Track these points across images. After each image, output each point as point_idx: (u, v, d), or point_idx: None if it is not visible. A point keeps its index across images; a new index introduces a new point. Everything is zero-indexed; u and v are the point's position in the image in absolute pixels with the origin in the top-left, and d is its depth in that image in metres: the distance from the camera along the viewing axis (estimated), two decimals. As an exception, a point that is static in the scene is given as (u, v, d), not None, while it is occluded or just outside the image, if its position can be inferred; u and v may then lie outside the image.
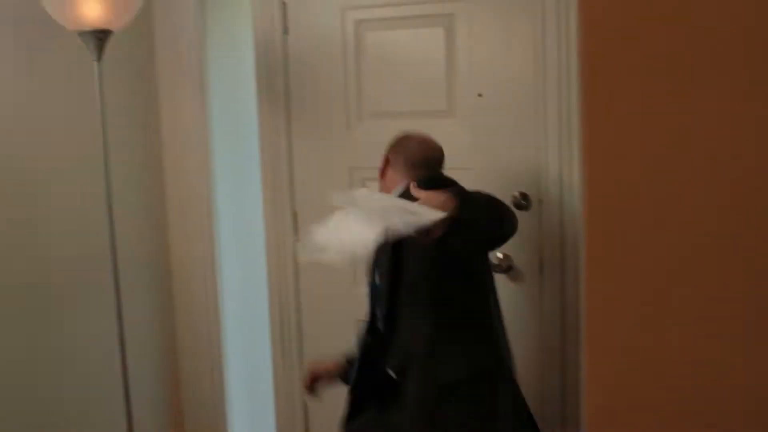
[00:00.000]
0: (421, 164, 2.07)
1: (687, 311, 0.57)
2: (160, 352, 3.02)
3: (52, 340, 2.55)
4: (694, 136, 0.53)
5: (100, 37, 2.32)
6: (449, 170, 2.57)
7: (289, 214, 2.83)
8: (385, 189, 2.12)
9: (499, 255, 2.51)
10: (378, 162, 2.41)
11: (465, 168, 2.54)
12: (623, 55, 0.53)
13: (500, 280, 2.28)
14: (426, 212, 1.52)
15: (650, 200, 0.56)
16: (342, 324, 2.77)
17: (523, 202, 2.48)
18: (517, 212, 2.46)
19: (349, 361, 2.17)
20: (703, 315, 0.57)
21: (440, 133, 2.57)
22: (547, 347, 2.49)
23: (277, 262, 2.90)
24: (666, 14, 0.51)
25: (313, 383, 2.25)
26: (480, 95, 2.49)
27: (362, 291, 2.36)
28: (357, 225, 1.50)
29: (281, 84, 2.77)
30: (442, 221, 1.51)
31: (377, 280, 2.03)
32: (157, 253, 2.99)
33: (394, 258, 1.88)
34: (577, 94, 2.36)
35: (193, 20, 2.86)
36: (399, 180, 2.07)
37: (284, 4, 2.73)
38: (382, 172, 2.14)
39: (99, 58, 2.36)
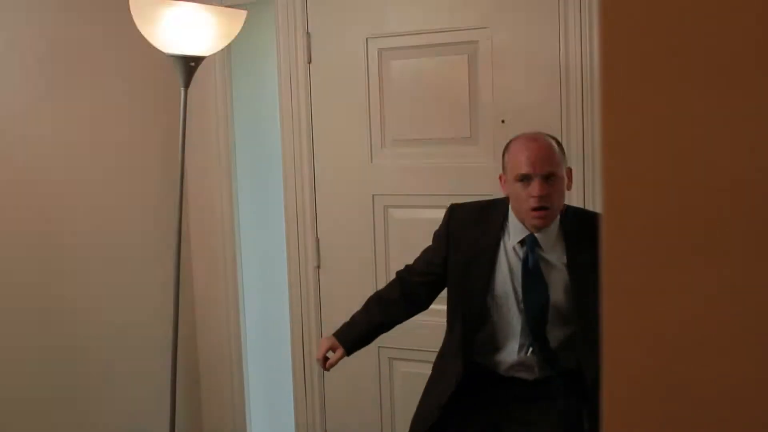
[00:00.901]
0: None
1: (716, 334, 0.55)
2: (182, 377, 3.03)
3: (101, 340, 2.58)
4: (725, 156, 0.51)
5: (192, 63, 2.27)
6: (471, 197, 2.58)
7: (312, 241, 2.84)
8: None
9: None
10: (402, 189, 2.38)
11: (488, 195, 2.54)
12: (644, 60, 0.52)
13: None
14: None
15: (675, 222, 0.54)
16: (362, 350, 2.75)
17: (546, 228, 2.46)
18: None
19: (350, 324, 2.21)
20: (735, 342, 0.55)
21: (463, 159, 2.58)
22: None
23: (299, 288, 2.90)
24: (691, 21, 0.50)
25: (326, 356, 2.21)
26: (503, 122, 2.49)
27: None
28: None
29: (305, 111, 2.80)
30: None
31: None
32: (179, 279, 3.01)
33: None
34: (600, 120, 2.35)
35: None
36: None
37: (308, 34, 2.76)
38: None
39: (187, 84, 2.32)
